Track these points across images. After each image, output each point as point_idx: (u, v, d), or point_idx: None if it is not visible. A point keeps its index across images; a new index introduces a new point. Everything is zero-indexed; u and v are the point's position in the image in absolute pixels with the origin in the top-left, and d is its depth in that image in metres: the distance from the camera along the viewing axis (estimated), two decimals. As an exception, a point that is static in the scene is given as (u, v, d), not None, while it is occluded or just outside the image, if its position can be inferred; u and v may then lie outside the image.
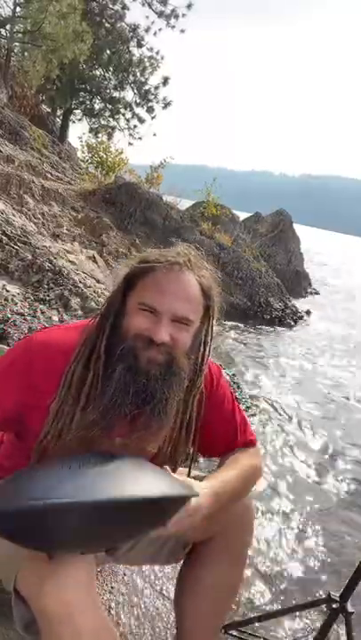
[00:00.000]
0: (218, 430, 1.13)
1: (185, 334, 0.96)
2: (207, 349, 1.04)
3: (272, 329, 7.94)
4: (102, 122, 15.11)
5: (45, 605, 0.82)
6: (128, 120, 15.04)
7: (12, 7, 9.83)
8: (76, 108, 14.93)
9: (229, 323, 7.67)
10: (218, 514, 0.97)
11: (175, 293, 0.95)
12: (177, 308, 0.94)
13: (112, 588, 1.50)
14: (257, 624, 1.66)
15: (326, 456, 3.64)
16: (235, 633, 1.43)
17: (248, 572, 2.17)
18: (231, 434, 1.14)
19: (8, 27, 9.96)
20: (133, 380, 0.92)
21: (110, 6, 13.68)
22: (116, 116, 14.97)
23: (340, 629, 1.74)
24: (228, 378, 4.18)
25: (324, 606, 1.29)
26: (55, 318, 4.25)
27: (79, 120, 15.32)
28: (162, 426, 0.97)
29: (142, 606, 1.52)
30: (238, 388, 4.22)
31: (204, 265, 1.02)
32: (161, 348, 0.93)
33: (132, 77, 14.41)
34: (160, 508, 0.85)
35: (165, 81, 14.72)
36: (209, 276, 1.01)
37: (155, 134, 15.45)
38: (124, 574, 1.59)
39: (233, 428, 1.14)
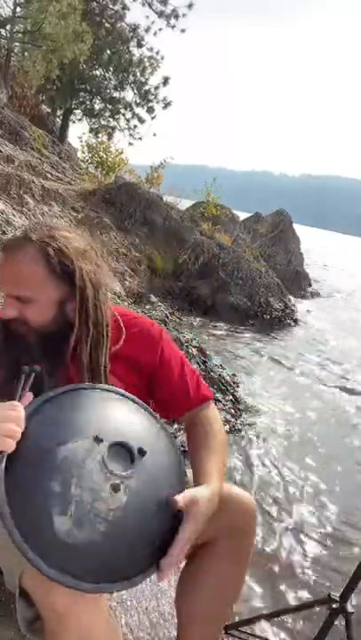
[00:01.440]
0: (171, 390, 1.16)
1: (31, 308, 1.00)
2: (91, 304, 1.04)
3: (272, 329, 7.95)
4: (102, 122, 15.11)
5: (54, 602, 0.82)
6: (128, 120, 15.05)
7: (12, 7, 9.82)
8: (76, 108, 14.93)
9: (230, 323, 7.68)
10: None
11: (7, 274, 1.01)
12: (8, 289, 1.00)
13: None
14: (257, 624, 1.66)
15: (326, 456, 3.65)
16: (235, 633, 1.44)
17: (248, 572, 2.17)
18: (185, 393, 1.17)
19: (8, 27, 9.96)
20: (15, 347, 1.01)
21: (110, 6, 13.68)
22: (116, 116, 14.97)
23: (340, 629, 1.74)
24: (228, 378, 4.20)
25: (324, 606, 1.29)
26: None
27: (79, 120, 15.32)
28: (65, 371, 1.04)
29: (143, 607, 1.52)
30: (238, 387, 4.22)
31: (54, 230, 1.05)
32: (16, 323, 1.01)
33: (132, 77, 14.41)
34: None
35: (165, 81, 14.73)
36: (63, 240, 1.03)
37: (155, 134, 15.46)
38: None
39: (185, 387, 1.18)
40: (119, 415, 0.98)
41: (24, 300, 1.00)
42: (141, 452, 0.91)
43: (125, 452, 0.91)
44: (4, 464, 0.82)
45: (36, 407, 0.90)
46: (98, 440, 0.89)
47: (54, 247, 1.01)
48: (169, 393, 1.17)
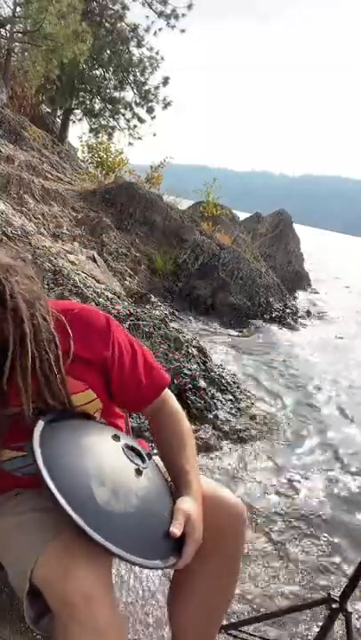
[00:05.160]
0: (125, 385, 1.15)
1: None
2: (28, 324, 0.99)
3: (272, 329, 7.94)
4: (102, 122, 15.12)
5: (66, 595, 0.83)
6: (128, 120, 15.05)
7: (12, 7, 9.83)
8: (76, 108, 14.93)
9: (230, 323, 7.68)
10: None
11: None
12: None
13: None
14: (257, 624, 1.66)
15: (326, 457, 3.64)
16: (234, 633, 1.43)
17: (248, 573, 2.17)
18: (137, 387, 1.16)
19: (8, 27, 9.96)
20: None
21: (110, 6, 13.69)
22: (116, 116, 14.98)
23: (340, 629, 1.74)
24: (228, 378, 4.19)
25: (324, 606, 1.29)
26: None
27: (79, 120, 15.33)
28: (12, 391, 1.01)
29: (138, 612, 1.52)
30: (238, 388, 4.22)
31: None
32: None
33: (132, 77, 14.42)
34: None
35: (165, 81, 14.74)
36: None
37: (155, 134, 15.47)
38: (121, 578, 1.59)
39: (137, 380, 1.16)
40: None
41: None
42: (149, 457, 1.04)
43: (135, 454, 1.03)
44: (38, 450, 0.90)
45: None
46: (116, 437, 1.03)
47: None
48: (123, 388, 1.15)
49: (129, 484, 0.94)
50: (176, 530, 0.94)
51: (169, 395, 1.23)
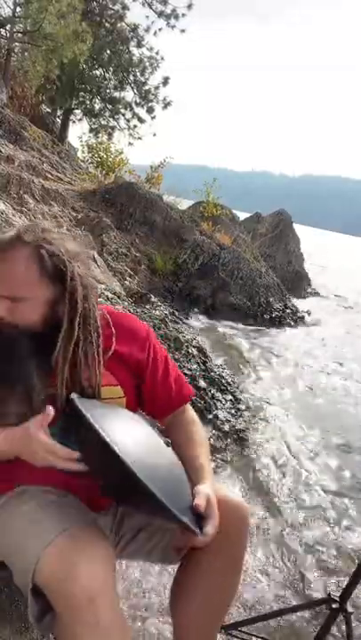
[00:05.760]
0: (156, 390, 1.21)
1: (23, 307, 1.02)
2: (80, 306, 1.06)
3: (272, 329, 7.94)
4: (102, 122, 15.11)
5: (70, 594, 0.84)
6: (128, 120, 15.05)
7: (12, 7, 9.83)
8: (76, 108, 14.93)
9: (230, 323, 7.68)
10: None
11: (1, 275, 1.02)
12: (2, 289, 1.02)
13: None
14: (257, 624, 1.66)
15: (325, 456, 3.64)
16: (235, 633, 1.43)
17: (248, 572, 2.17)
18: (168, 395, 1.22)
19: (8, 27, 9.96)
20: (8, 347, 1.03)
21: (110, 6, 13.69)
22: (116, 116, 14.98)
23: (340, 629, 1.74)
24: (228, 378, 4.19)
25: (324, 606, 1.29)
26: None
27: (79, 120, 15.33)
28: (54, 370, 1.06)
29: (140, 611, 1.52)
30: (238, 388, 4.22)
31: (47, 232, 1.07)
32: (4, 322, 1.03)
33: (132, 77, 14.42)
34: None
35: (165, 81, 14.73)
36: (56, 243, 1.06)
37: (155, 134, 15.46)
38: (123, 577, 1.59)
39: (168, 388, 1.23)
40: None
41: (15, 299, 1.02)
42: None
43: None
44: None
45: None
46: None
47: (48, 249, 1.03)
48: (153, 393, 1.21)
49: (165, 452, 1.02)
50: (201, 502, 0.98)
51: (189, 406, 1.30)
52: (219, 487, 1.16)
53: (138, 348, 1.19)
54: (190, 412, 1.28)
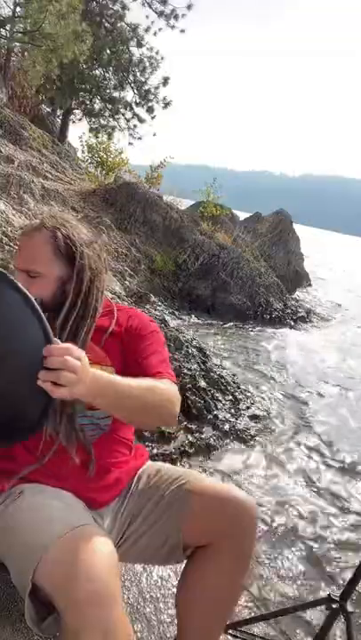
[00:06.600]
0: (140, 357, 1.23)
1: (38, 282, 1.14)
2: (85, 286, 1.17)
3: (272, 329, 7.95)
4: (102, 122, 15.08)
5: (74, 594, 0.83)
6: (128, 120, 15.02)
7: (12, 7, 9.81)
8: (76, 108, 14.91)
9: (230, 323, 7.68)
10: (97, 399, 0.99)
11: (22, 253, 1.18)
12: (21, 264, 1.17)
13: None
14: (257, 624, 1.66)
15: (326, 456, 3.65)
16: (235, 633, 1.44)
17: (248, 572, 2.17)
18: (148, 366, 1.22)
19: (8, 27, 9.94)
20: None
21: (110, 6, 13.67)
22: (116, 116, 14.95)
23: (340, 629, 1.74)
24: (228, 378, 4.19)
25: (324, 606, 1.29)
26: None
27: (79, 120, 15.31)
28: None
29: (141, 610, 1.52)
30: (238, 388, 4.22)
31: (66, 220, 1.22)
32: None
33: (132, 77, 14.40)
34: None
35: (165, 81, 14.70)
36: (72, 229, 1.20)
37: (155, 134, 15.44)
38: (124, 577, 1.59)
39: (151, 362, 1.23)
40: None
41: (32, 274, 1.15)
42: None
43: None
44: None
45: None
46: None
47: (63, 233, 1.18)
48: (136, 360, 1.23)
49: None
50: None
51: (173, 385, 1.21)
52: (228, 486, 1.17)
53: (137, 326, 1.27)
54: (170, 383, 1.20)
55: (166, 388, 1.16)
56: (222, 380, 4.06)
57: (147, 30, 14.03)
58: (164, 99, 14.70)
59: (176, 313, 7.00)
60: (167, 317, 5.50)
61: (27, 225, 1.24)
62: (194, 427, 3.34)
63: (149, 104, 14.74)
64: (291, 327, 8.38)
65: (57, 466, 1.14)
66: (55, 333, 1.05)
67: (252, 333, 7.44)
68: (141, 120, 14.94)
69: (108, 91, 14.58)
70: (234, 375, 4.51)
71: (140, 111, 14.85)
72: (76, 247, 1.17)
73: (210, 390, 3.78)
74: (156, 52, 14.33)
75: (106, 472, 1.20)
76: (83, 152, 12.78)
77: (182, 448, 3.08)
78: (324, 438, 3.94)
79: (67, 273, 1.17)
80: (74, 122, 15.21)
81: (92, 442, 1.18)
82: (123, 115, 14.93)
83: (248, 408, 4.00)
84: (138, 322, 1.29)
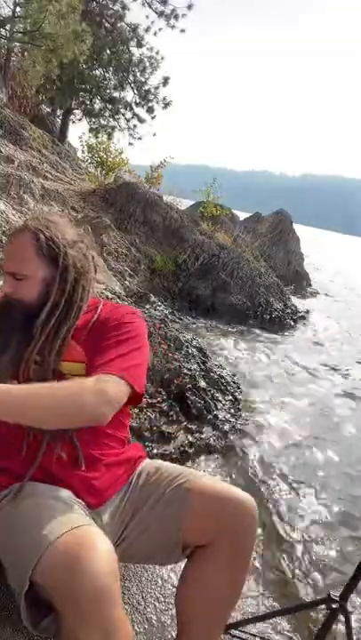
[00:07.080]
0: (102, 346, 1.21)
1: (24, 284, 1.17)
2: (69, 285, 1.19)
3: (272, 329, 7.94)
4: (102, 122, 15.08)
5: (74, 594, 0.83)
6: (128, 120, 15.01)
7: (12, 7, 9.81)
8: (76, 108, 14.91)
9: (230, 323, 7.67)
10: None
11: (9, 255, 1.20)
12: (9, 266, 1.19)
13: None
14: (257, 624, 1.66)
15: (326, 456, 3.65)
16: (235, 633, 1.44)
17: (248, 572, 2.17)
18: (96, 360, 1.19)
19: (8, 27, 9.94)
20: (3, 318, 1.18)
21: (110, 6, 13.67)
22: (116, 116, 14.94)
23: (340, 629, 1.74)
24: (228, 378, 4.19)
25: (324, 606, 1.29)
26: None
27: (79, 120, 15.31)
28: (37, 339, 1.17)
29: (142, 610, 1.52)
30: (238, 388, 4.22)
31: (50, 222, 1.22)
32: (10, 298, 1.18)
33: (132, 77, 14.39)
34: None
35: (165, 81, 14.69)
36: (55, 230, 1.20)
37: (155, 134, 15.44)
38: (124, 576, 1.59)
39: (101, 356, 1.19)
40: None
41: (18, 277, 1.17)
42: None
43: None
44: None
45: None
46: None
47: (46, 234, 1.18)
48: (96, 347, 1.21)
49: None
50: None
51: (122, 384, 1.14)
52: (228, 485, 1.18)
53: (115, 319, 1.27)
54: (114, 383, 1.12)
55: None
56: (222, 380, 4.06)
57: (147, 30, 14.03)
58: (164, 99, 14.69)
59: (176, 313, 7.00)
60: (167, 317, 5.50)
61: (16, 227, 1.27)
62: (194, 427, 3.33)
63: (149, 104, 14.73)
64: (291, 327, 8.38)
65: (51, 463, 1.14)
66: (37, 332, 1.16)
67: (252, 333, 7.44)
68: (141, 120, 14.94)
69: (108, 91, 14.57)
70: (234, 375, 4.51)
71: (140, 111, 14.85)
72: (59, 248, 1.18)
73: (210, 390, 3.78)
74: (157, 52, 14.32)
75: (98, 465, 1.18)
76: (83, 152, 12.80)
77: (182, 448, 3.07)
78: (324, 438, 3.94)
79: (51, 274, 1.18)
80: (74, 122, 15.21)
81: (73, 434, 1.15)
82: (123, 115, 14.92)
83: (248, 408, 4.00)
84: (112, 314, 1.28)
